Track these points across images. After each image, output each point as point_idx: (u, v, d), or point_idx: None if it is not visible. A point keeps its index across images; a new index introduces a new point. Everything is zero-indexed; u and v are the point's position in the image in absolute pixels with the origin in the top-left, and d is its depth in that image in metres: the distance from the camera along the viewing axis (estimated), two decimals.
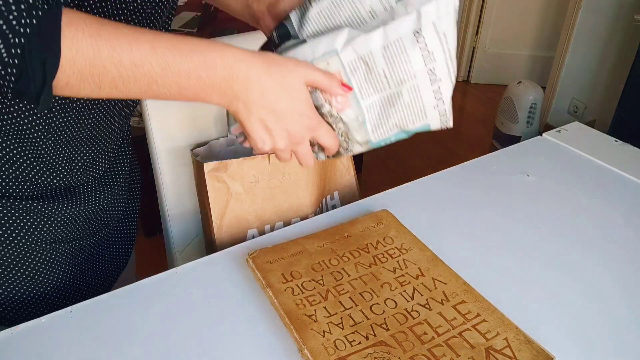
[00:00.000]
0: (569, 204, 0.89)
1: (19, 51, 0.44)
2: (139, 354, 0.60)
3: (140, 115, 1.03)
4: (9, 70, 0.44)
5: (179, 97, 0.52)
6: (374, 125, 0.55)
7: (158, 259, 1.16)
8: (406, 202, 0.88)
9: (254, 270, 0.72)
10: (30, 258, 0.68)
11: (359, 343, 0.59)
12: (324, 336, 0.59)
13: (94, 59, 0.47)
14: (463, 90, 3.55)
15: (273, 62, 0.53)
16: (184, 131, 1.06)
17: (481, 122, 3.11)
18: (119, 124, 0.72)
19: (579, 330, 0.65)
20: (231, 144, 1.08)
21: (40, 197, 0.66)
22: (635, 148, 1.04)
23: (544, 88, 2.73)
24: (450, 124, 0.57)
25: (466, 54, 3.53)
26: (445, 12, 0.53)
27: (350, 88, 0.55)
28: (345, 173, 1.12)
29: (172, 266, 0.75)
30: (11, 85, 0.45)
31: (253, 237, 0.83)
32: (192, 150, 1.04)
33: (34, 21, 0.44)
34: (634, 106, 2.07)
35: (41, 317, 0.64)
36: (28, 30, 0.44)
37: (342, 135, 0.57)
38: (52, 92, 0.46)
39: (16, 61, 0.44)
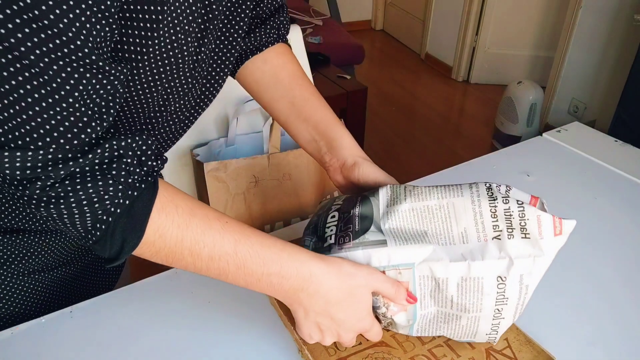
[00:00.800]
0: (569, 203, 0.89)
1: (104, 226, 0.44)
2: (139, 354, 0.60)
3: None
4: (90, 236, 0.45)
5: (242, 286, 0.52)
6: (420, 328, 0.55)
7: None
8: None
9: None
10: (5, 290, 0.64)
11: (360, 343, 0.59)
12: None
13: (174, 246, 0.47)
14: (463, 90, 3.55)
15: (346, 275, 0.52)
16: None
17: (481, 122, 3.11)
18: None
19: (580, 330, 0.65)
20: (231, 144, 1.08)
21: (20, 230, 0.62)
22: (635, 148, 1.04)
23: (544, 88, 2.73)
24: (495, 343, 0.57)
25: (466, 54, 3.54)
26: (538, 269, 0.52)
27: (415, 300, 0.54)
28: None
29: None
30: (89, 243, 0.46)
31: None
32: (192, 150, 1.04)
33: (127, 202, 0.44)
34: (634, 106, 2.07)
35: (41, 317, 0.64)
36: (119, 210, 0.44)
37: (387, 324, 0.56)
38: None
39: (99, 233, 0.44)
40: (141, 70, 0.47)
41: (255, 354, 0.60)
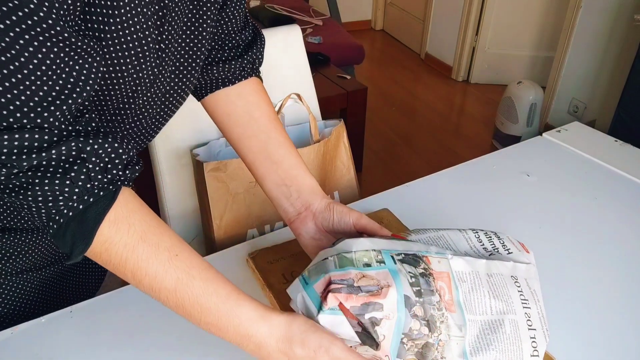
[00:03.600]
0: (569, 203, 0.89)
1: (55, 226, 0.44)
2: (139, 354, 0.60)
3: None
4: (47, 229, 0.45)
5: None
6: (472, 346, 0.53)
7: None
8: (406, 202, 0.88)
9: (254, 270, 0.72)
10: None
11: None
12: None
13: (118, 264, 0.46)
14: (463, 90, 3.55)
15: (293, 344, 0.48)
16: (184, 131, 1.06)
17: (481, 122, 3.11)
18: None
19: (580, 330, 0.65)
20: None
21: (7, 229, 0.62)
22: (635, 148, 1.04)
23: (544, 88, 2.72)
24: None
25: (466, 54, 3.53)
26: (534, 276, 0.59)
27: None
28: (346, 173, 1.12)
29: None
30: (49, 235, 0.46)
31: (253, 237, 0.83)
32: (192, 150, 1.04)
33: (81, 207, 0.44)
34: (634, 106, 2.07)
35: (41, 317, 0.64)
36: (71, 213, 0.44)
37: (438, 352, 0.53)
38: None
39: (51, 231, 0.45)
40: (105, 50, 0.47)
41: None
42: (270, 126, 0.69)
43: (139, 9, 0.47)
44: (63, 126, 0.42)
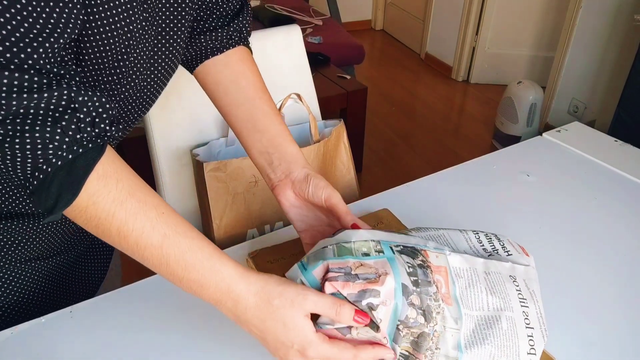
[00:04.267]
0: (569, 203, 0.89)
1: (42, 176, 0.44)
2: (139, 354, 0.60)
3: None
4: (28, 184, 0.45)
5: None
6: (467, 340, 0.53)
7: None
8: (406, 202, 0.88)
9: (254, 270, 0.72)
10: (2, 278, 0.65)
11: None
12: None
13: (104, 219, 0.46)
14: (463, 90, 3.55)
15: (268, 293, 0.50)
16: (184, 131, 1.06)
17: (481, 122, 3.11)
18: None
19: (579, 330, 0.65)
20: (231, 144, 1.08)
21: (14, 216, 0.62)
22: (635, 148, 1.04)
23: (544, 88, 2.72)
24: None
25: (466, 54, 3.53)
26: (533, 277, 0.59)
27: (366, 317, 0.50)
28: (346, 173, 1.12)
29: None
30: (27, 191, 0.45)
31: (253, 237, 0.83)
32: (192, 150, 1.04)
33: (70, 156, 0.44)
34: (634, 106, 2.07)
35: (41, 317, 0.64)
36: (59, 162, 0.43)
37: (432, 342, 0.53)
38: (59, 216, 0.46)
39: (36, 182, 0.44)
40: (98, 1, 0.47)
41: (255, 354, 0.60)
42: (256, 95, 0.70)
43: None
44: (49, 66, 0.42)
